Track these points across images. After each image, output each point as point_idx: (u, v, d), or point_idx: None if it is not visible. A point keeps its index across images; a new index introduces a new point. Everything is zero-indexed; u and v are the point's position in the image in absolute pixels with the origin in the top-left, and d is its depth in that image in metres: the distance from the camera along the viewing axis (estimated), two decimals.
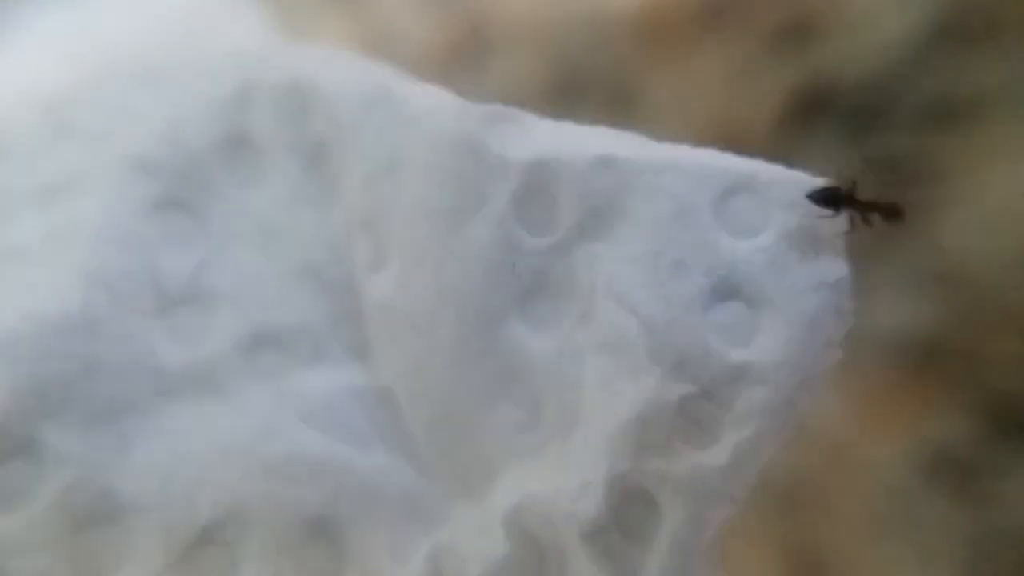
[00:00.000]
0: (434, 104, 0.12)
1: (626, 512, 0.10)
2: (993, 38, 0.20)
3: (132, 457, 0.10)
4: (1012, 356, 0.21)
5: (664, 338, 0.10)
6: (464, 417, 0.11)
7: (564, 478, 0.10)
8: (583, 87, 0.24)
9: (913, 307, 0.23)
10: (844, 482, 0.22)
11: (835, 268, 0.11)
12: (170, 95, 0.12)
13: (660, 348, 0.10)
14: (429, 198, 0.11)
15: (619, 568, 0.09)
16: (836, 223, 0.10)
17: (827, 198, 0.10)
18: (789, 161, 0.12)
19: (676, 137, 0.12)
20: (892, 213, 0.10)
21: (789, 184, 0.11)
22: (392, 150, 0.12)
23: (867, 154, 0.23)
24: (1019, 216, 0.22)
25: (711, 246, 0.11)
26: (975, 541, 0.21)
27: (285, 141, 0.12)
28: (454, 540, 0.10)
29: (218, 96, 0.12)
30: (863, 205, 0.10)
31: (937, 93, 0.21)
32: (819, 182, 0.11)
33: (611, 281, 0.11)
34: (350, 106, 0.12)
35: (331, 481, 0.10)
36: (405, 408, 0.11)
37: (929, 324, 0.23)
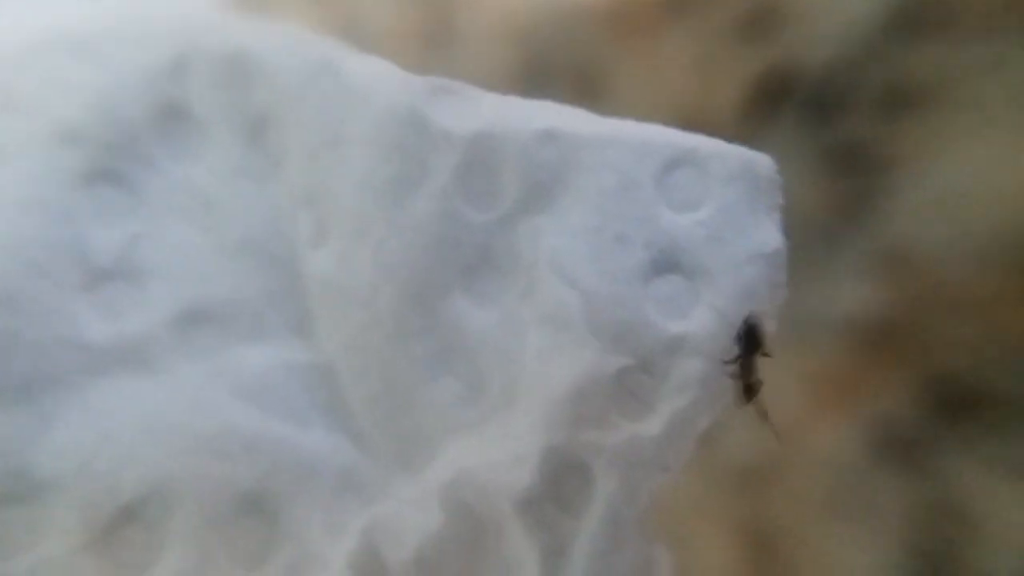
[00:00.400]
0: (377, 76, 0.12)
1: (561, 483, 0.10)
2: (945, 27, 0.20)
3: (52, 434, 0.09)
4: (958, 337, 0.22)
5: (604, 311, 0.10)
6: (405, 392, 0.11)
7: (501, 451, 0.10)
8: (551, 74, 0.24)
9: (865, 291, 0.23)
10: (797, 462, 0.23)
11: (771, 240, 0.11)
12: (101, 64, 0.12)
13: (600, 321, 0.10)
14: (372, 172, 0.11)
15: (553, 538, 0.09)
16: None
17: (749, 328, 0.10)
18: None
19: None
20: (748, 389, 0.10)
21: (729, 158, 0.11)
22: (335, 123, 0.12)
23: (826, 140, 0.23)
24: (968, 200, 0.22)
25: (652, 220, 0.11)
26: (919, 515, 0.21)
27: (224, 113, 0.12)
28: (390, 514, 0.10)
29: (152, 66, 0.12)
30: (745, 363, 0.10)
31: (892, 81, 0.21)
32: (755, 319, 0.10)
33: (553, 255, 0.11)
34: (292, 78, 0.12)
35: (265, 457, 0.10)
36: (346, 384, 0.11)
37: (880, 307, 0.23)
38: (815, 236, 0.23)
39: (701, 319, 0.10)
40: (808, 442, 0.22)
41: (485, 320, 0.11)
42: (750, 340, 0.10)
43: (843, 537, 0.22)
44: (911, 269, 0.22)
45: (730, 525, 0.22)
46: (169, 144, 0.12)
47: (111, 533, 0.09)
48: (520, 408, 0.10)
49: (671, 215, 0.11)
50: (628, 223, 0.11)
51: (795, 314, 0.23)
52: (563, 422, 0.10)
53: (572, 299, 0.11)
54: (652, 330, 0.10)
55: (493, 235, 0.11)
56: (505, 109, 0.12)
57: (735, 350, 0.10)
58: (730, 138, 0.12)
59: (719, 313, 0.10)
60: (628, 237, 0.11)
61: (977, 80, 0.20)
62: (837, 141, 0.23)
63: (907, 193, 0.22)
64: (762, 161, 0.11)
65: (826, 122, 0.23)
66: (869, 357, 0.22)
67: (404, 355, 0.11)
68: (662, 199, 0.11)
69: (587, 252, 0.11)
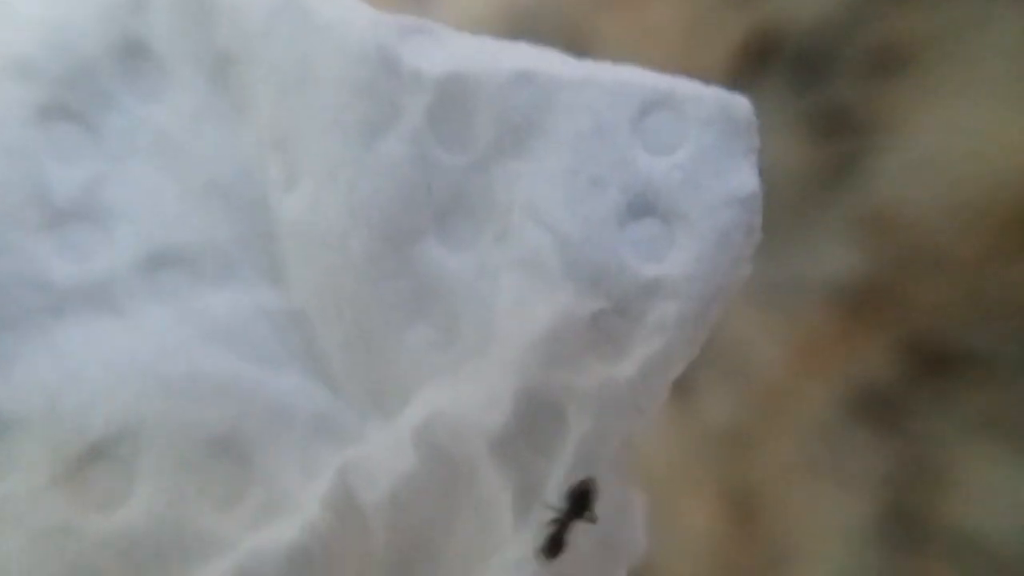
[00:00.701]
0: (345, 13, 0.11)
1: (534, 424, 0.10)
2: None
3: (15, 373, 0.09)
4: (938, 298, 0.22)
5: (579, 255, 0.10)
6: (379, 337, 0.11)
7: (475, 393, 0.10)
8: (539, 34, 0.23)
9: (847, 254, 0.23)
10: (777, 424, 0.23)
11: (747, 184, 0.11)
12: None
13: (575, 265, 0.10)
14: (341, 113, 0.11)
15: (526, 478, 0.10)
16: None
17: (581, 491, 0.10)
18: None
19: None
20: (555, 544, 0.10)
21: (706, 100, 0.11)
22: (302, 62, 0.11)
23: (811, 103, 0.23)
24: (952, 161, 0.22)
25: (629, 163, 0.11)
26: (896, 474, 0.22)
27: (187, 51, 0.12)
28: (364, 456, 0.10)
29: (111, 0, 0.11)
30: (565, 521, 0.10)
31: (878, 42, 0.21)
32: (591, 484, 0.10)
33: (528, 199, 0.11)
34: (256, 15, 0.11)
35: (237, 400, 0.10)
36: (318, 329, 0.11)
37: (862, 270, 0.23)
38: (798, 200, 0.23)
39: (677, 262, 0.10)
40: (788, 404, 0.23)
41: (459, 265, 0.11)
42: (578, 503, 0.10)
43: (822, 496, 0.22)
44: (893, 231, 0.22)
45: (711, 487, 0.23)
46: (129, 82, 0.11)
47: (80, 470, 0.09)
48: (494, 351, 0.10)
49: (647, 158, 0.11)
50: (604, 166, 0.11)
51: (777, 277, 0.24)
52: (537, 364, 0.10)
53: (547, 243, 0.10)
54: (628, 273, 0.10)
55: (466, 179, 0.11)
56: (479, 50, 0.11)
57: (562, 504, 0.10)
58: None
59: (695, 256, 0.10)
60: (604, 180, 0.11)
61: (963, 39, 0.20)
62: (822, 104, 0.23)
63: (891, 155, 0.22)
64: (739, 103, 0.11)
65: (812, 85, 0.23)
66: (849, 320, 0.22)
67: (377, 300, 0.11)
68: (638, 142, 0.11)
69: (563, 196, 0.11)
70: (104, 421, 0.09)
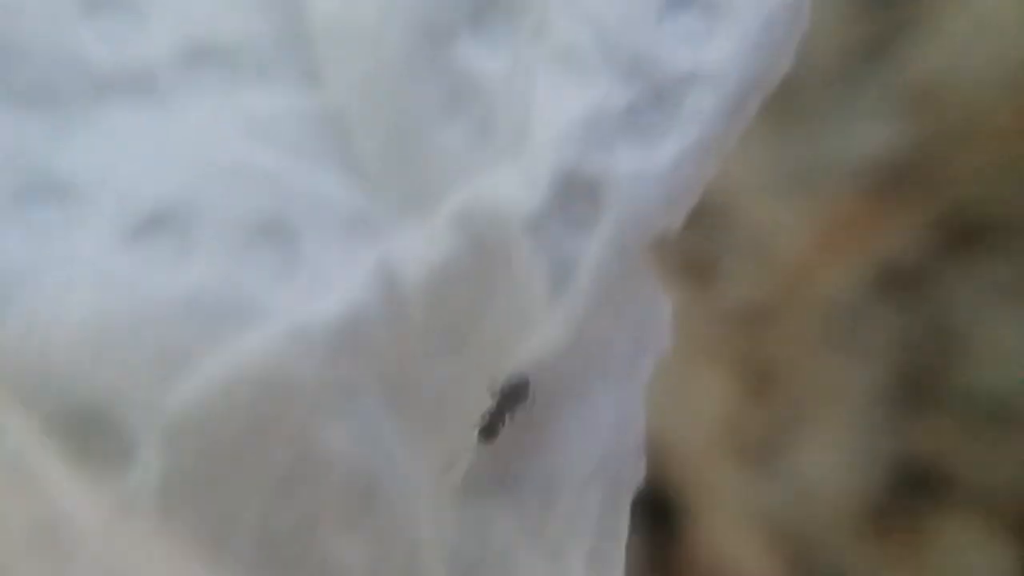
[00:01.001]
0: None
1: (570, 203, 0.10)
2: None
3: (68, 144, 0.09)
4: (973, 168, 0.22)
5: (617, 46, 0.10)
6: (415, 137, 0.11)
7: (511, 178, 0.10)
8: None
9: (884, 129, 0.23)
10: (798, 300, 0.23)
11: None
12: None
13: (612, 55, 0.10)
14: None
15: (560, 257, 0.10)
16: None
17: (517, 386, 0.10)
18: None
19: None
20: (486, 433, 0.10)
21: None
22: None
23: None
24: (998, 30, 0.21)
25: None
26: (911, 339, 0.22)
27: None
28: (403, 244, 0.10)
29: None
30: (498, 412, 0.10)
31: None
32: (528, 379, 0.10)
33: None
34: None
35: (282, 189, 0.10)
36: (355, 130, 0.11)
37: (898, 144, 0.23)
38: (837, 76, 0.22)
39: (716, 53, 0.10)
40: (810, 281, 0.23)
41: (495, 64, 0.11)
42: (509, 399, 0.10)
43: (836, 365, 0.23)
44: (934, 103, 0.21)
45: (728, 360, 0.23)
46: None
47: (143, 234, 0.09)
48: (530, 140, 0.10)
49: None
50: None
51: (811, 157, 0.23)
52: (573, 148, 0.10)
53: (584, 36, 0.10)
54: (665, 63, 0.10)
55: None
56: None
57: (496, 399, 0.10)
58: None
59: (736, 47, 0.10)
60: None
61: None
62: None
63: (937, 25, 0.21)
64: None
65: None
66: (880, 198, 0.22)
67: (413, 99, 0.11)
68: None
69: None
70: (155, 197, 0.10)
